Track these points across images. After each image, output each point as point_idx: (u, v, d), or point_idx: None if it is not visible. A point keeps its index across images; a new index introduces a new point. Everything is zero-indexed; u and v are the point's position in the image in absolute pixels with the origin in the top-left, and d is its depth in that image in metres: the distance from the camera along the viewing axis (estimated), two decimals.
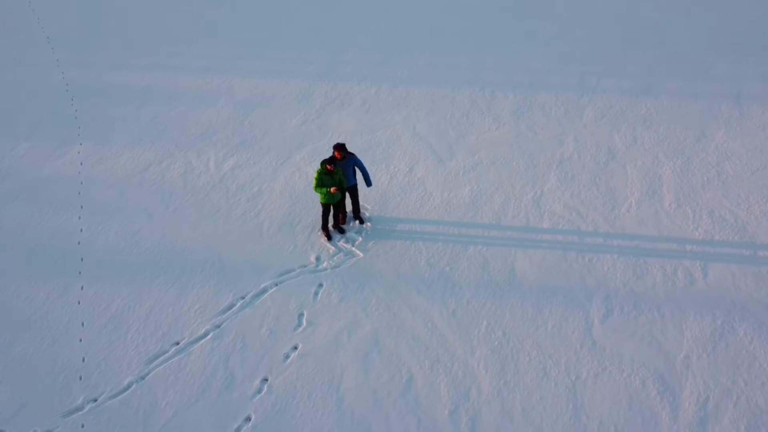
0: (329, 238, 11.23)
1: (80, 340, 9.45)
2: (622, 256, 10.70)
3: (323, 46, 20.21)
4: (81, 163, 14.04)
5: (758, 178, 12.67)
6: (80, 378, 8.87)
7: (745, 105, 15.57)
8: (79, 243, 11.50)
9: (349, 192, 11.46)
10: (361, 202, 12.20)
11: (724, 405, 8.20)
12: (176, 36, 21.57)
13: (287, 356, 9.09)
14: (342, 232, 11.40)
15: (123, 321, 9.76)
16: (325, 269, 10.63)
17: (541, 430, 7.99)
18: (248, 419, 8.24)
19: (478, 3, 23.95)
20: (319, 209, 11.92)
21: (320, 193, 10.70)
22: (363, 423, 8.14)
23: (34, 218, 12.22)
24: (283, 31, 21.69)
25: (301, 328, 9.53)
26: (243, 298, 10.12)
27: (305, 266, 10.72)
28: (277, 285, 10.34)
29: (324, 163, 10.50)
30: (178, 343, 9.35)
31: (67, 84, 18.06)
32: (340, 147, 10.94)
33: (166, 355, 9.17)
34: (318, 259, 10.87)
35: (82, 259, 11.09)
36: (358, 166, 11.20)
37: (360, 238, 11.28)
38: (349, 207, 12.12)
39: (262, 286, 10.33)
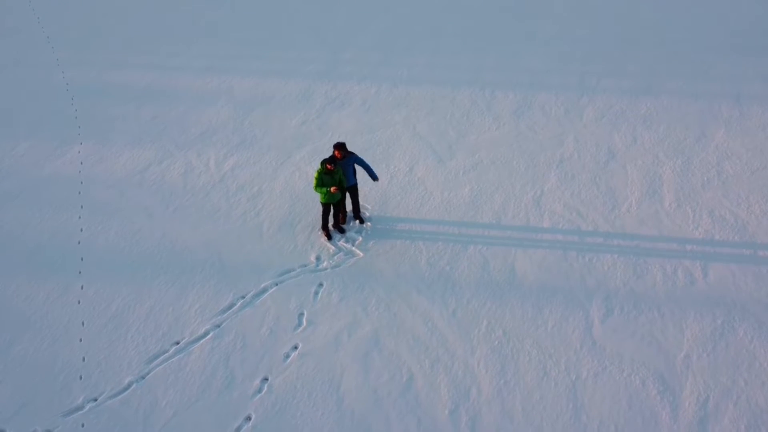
0: (329, 237, 11.24)
1: (80, 340, 9.45)
2: (622, 255, 10.70)
3: (323, 46, 20.22)
4: (81, 163, 14.04)
5: (758, 178, 12.67)
6: (80, 377, 8.87)
7: (745, 105, 15.57)
8: (79, 243, 11.50)
9: (349, 192, 11.46)
10: (361, 202, 12.20)
11: (725, 404, 8.20)
12: (176, 36, 21.57)
13: (287, 356, 9.09)
14: (342, 231, 11.40)
15: (123, 321, 9.76)
16: (326, 269, 10.63)
17: (541, 429, 7.99)
18: (248, 419, 8.24)
19: (478, 3, 23.95)
20: (319, 209, 11.92)
21: (320, 192, 10.70)
22: (363, 423, 8.14)
23: (34, 218, 12.22)
24: (283, 31, 21.69)
25: (301, 328, 9.53)
26: (243, 297, 10.12)
27: (305, 266, 10.72)
28: (277, 284, 10.34)
29: (324, 162, 10.50)
30: (178, 343, 9.35)
31: (67, 84, 18.06)
32: (340, 146, 10.94)
33: (167, 354, 9.17)
34: (318, 258, 10.87)
35: (82, 259, 11.09)
36: (359, 164, 11.17)
37: (360, 238, 11.28)
38: (349, 207, 12.12)
39: (263, 285, 10.33)
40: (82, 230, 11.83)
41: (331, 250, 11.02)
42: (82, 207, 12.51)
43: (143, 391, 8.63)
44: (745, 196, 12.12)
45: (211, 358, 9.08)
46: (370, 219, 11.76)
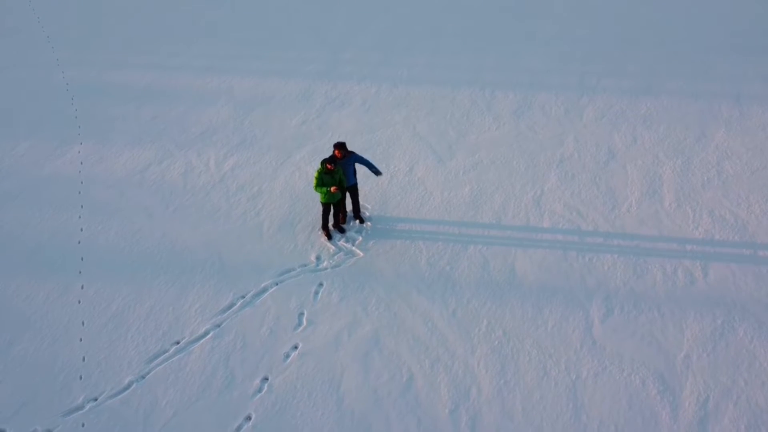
0: (329, 237, 11.24)
1: (80, 340, 9.45)
2: (622, 255, 10.70)
3: (323, 46, 20.22)
4: (81, 163, 14.04)
5: (758, 178, 12.68)
6: (80, 377, 8.87)
7: (745, 105, 15.57)
8: (79, 242, 11.50)
9: (349, 191, 11.46)
10: (361, 202, 12.21)
11: (725, 404, 8.20)
12: (176, 36, 21.57)
13: (287, 355, 9.09)
14: (342, 231, 11.41)
15: (123, 320, 9.76)
16: (326, 269, 10.64)
17: (541, 429, 7.99)
18: (248, 418, 8.24)
19: (478, 3, 23.95)
20: (319, 209, 11.92)
21: (320, 192, 10.70)
22: (363, 422, 8.14)
23: (34, 218, 12.22)
24: (283, 31, 21.69)
25: (301, 328, 9.53)
26: (243, 297, 10.12)
27: (305, 265, 10.72)
28: (277, 284, 10.34)
29: (324, 162, 10.50)
30: (178, 343, 9.35)
31: (67, 83, 18.06)
32: (340, 146, 10.94)
33: (167, 354, 9.17)
34: (318, 258, 10.87)
35: (82, 259, 11.09)
36: (360, 163, 11.15)
37: (360, 238, 11.28)
38: (349, 206, 12.12)
39: (263, 285, 10.33)
40: (82, 230, 11.83)
41: (331, 250, 11.03)
42: (82, 207, 12.52)
43: (143, 391, 8.63)
44: (745, 196, 12.12)
45: (211, 357, 9.08)
46: (370, 219, 11.77)
